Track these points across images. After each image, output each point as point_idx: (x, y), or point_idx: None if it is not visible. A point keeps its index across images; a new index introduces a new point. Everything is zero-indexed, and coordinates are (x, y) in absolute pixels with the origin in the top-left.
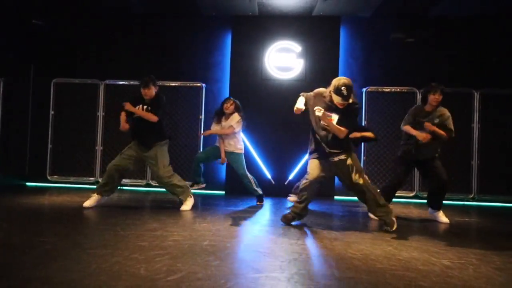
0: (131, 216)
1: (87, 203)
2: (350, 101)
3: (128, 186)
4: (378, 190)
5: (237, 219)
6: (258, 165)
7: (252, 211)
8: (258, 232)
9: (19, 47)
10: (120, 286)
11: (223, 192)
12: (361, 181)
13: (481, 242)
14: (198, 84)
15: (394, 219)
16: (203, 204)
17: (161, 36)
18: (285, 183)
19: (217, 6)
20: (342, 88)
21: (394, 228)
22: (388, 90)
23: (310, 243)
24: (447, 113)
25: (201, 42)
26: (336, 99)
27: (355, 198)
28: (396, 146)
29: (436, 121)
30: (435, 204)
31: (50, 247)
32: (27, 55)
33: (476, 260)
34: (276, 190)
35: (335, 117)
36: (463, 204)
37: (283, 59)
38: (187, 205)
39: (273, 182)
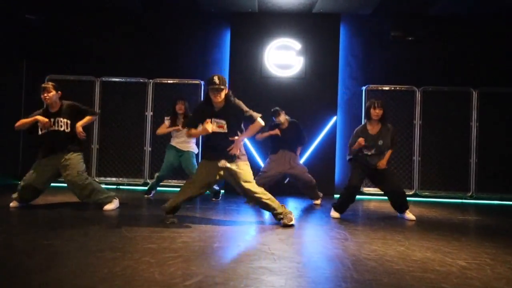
0: (133, 217)
1: None
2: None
3: (125, 185)
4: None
5: (242, 218)
6: (257, 163)
7: (254, 209)
8: (266, 233)
9: (11, 42)
10: None
11: (223, 190)
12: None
13: (490, 241)
14: (197, 82)
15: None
16: (204, 203)
17: (158, 33)
18: (285, 182)
19: (216, 3)
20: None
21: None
22: (388, 88)
23: (320, 243)
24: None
25: (199, 39)
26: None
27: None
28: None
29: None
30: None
31: (56, 249)
32: (20, 51)
33: (491, 260)
34: (276, 189)
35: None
36: (462, 202)
37: (282, 57)
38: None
39: None
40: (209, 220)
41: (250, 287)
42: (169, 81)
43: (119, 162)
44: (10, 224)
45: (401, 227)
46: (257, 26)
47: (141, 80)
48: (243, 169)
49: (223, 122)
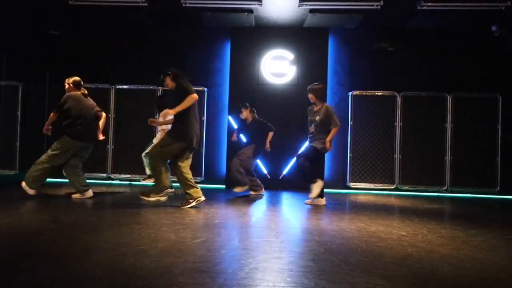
0: (150, 204)
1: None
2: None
3: (137, 181)
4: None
5: (239, 206)
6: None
7: (250, 200)
8: (258, 214)
9: (36, 55)
10: (160, 245)
11: (223, 186)
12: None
13: (437, 221)
14: (201, 89)
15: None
16: (206, 196)
17: (167, 45)
18: (280, 177)
19: (217, 19)
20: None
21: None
22: (371, 93)
23: (299, 221)
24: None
25: (203, 51)
26: None
27: (342, 190)
28: (379, 144)
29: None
30: None
31: (95, 223)
32: (44, 63)
33: (427, 232)
34: (272, 183)
35: None
36: (437, 196)
37: (277, 66)
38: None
39: (268, 177)
40: (211, 206)
41: (239, 243)
42: None
43: (132, 161)
44: (52, 207)
45: (370, 212)
46: (254, 39)
47: (151, 87)
48: None
49: None
